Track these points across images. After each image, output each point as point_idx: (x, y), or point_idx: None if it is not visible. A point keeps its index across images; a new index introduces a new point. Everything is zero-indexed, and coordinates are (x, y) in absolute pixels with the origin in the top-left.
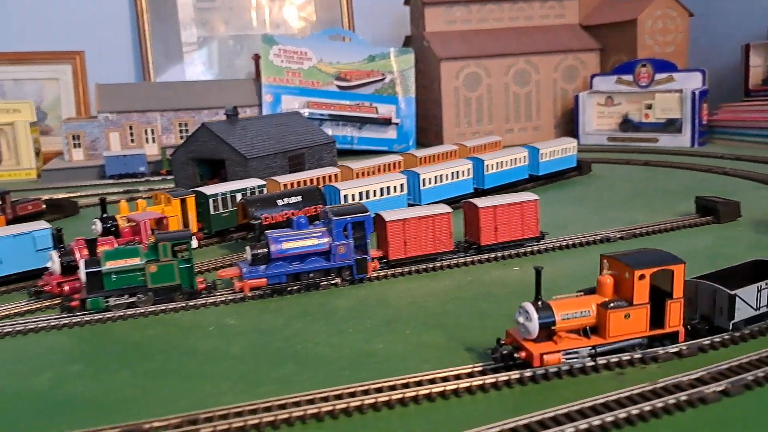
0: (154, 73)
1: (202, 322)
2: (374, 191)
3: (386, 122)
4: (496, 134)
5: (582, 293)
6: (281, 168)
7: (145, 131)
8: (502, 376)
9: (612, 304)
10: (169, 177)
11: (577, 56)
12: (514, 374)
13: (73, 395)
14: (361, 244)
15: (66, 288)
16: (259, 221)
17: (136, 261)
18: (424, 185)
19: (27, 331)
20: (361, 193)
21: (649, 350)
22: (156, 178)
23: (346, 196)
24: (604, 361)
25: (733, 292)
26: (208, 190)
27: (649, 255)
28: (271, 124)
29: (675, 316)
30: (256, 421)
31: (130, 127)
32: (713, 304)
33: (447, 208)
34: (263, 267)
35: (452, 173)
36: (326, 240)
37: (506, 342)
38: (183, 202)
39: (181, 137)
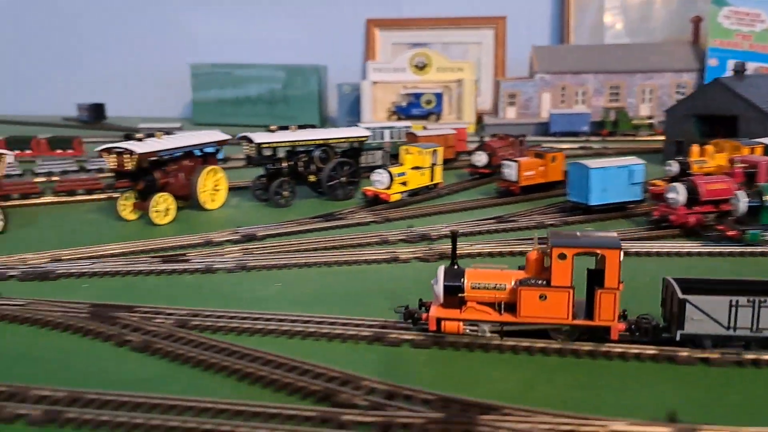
0: (574, 36)
1: None
2: None
3: None
4: None
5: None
6: None
7: (576, 93)
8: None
9: (527, 282)
10: (609, 138)
11: None
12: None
13: None
14: None
15: (692, 219)
16: None
17: None
18: None
19: (672, 254)
20: None
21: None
22: (595, 138)
23: None
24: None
25: (683, 297)
26: None
27: (587, 236)
28: None
29: (607, 308)
30: None
31: (563, 88)
32: (670, 307)
33: None
34: None
35: None
36: None
37: (428, 304)
38: (752, 150)
39: (611, 100)
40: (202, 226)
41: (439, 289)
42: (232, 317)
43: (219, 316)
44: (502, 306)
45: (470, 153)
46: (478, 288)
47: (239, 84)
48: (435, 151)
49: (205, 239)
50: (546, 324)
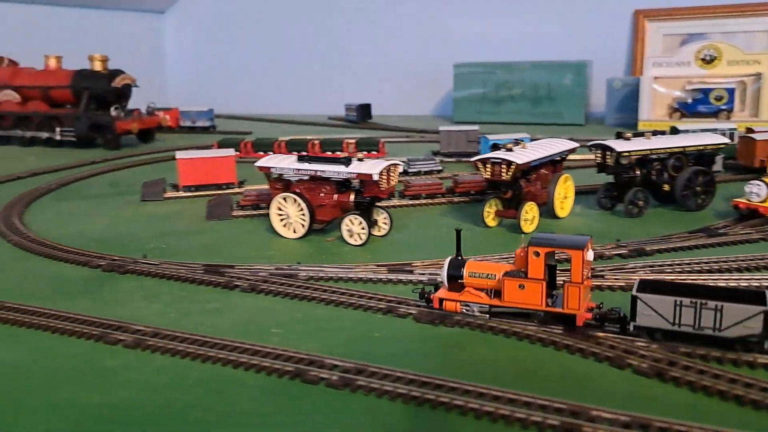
0: None
1: None
2: None
3: None
4: None
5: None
6: None
7: None
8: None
9: (510, 273)
10: None
11: None
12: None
13: None
14: None
15: None
16: None
17: None
18: None
19: None
20: None
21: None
22: None
23: None
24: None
25: (634, 294)
26: None
27: (561, 237)
28: None
29: (572, 299)
30: None
31: None
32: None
33: None
34: None
35: None
36: None
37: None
38: None
39: None
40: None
41: (444, 275)
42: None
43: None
44: (492, 292)
45: None
46: (474, 276)
47: (501, 82)
48: None
49: (594, 251)
50: (523, 308)
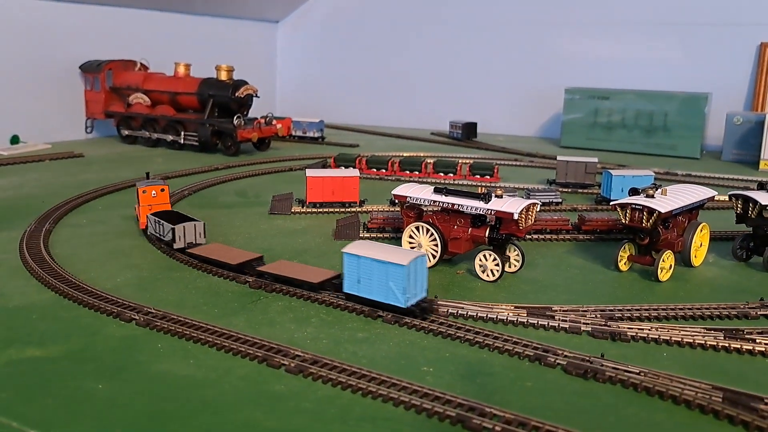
0: None
1: None
2: None
3: None
4: None
5: None
6: None
7: None
8: None
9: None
10: None
11: None
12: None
13: None
14: None
15: None
16: None
17: None
18: None
19: None
20: None
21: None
22: None
23: None
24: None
25: (152, 216)
26: None
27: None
28: None
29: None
30: None
31: None
32: None
33: None
34: None
35: None
36: None
37: None
38: None
39: None
40: (701, 287)
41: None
42: None
43: None
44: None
45: None
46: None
47: (614, 109)
48: None
49: (738, 310)
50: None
